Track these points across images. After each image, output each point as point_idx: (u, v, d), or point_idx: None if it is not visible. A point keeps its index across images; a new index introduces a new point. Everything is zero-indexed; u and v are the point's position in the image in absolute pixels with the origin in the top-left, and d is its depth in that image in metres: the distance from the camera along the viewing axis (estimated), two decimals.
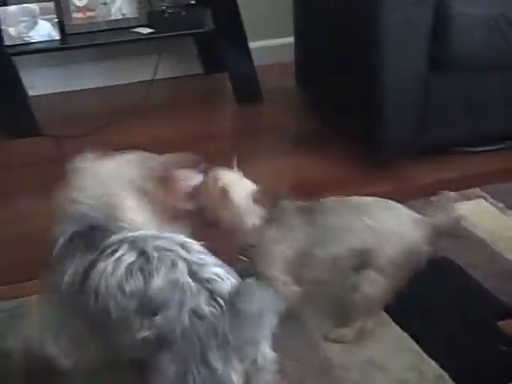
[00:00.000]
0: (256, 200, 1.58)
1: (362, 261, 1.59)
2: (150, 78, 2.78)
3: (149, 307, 1.19)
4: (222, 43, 2.85)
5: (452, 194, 1.66)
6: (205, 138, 2.64)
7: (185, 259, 1.22)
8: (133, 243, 1.25)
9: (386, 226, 1.58)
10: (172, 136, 2.64)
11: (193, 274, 1.20)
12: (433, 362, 1.59)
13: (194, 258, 1.23)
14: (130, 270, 1.22)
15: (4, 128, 2.63)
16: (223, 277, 1.21)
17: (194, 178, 1.52)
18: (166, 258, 1.21)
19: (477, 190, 2.24)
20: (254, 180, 2.41)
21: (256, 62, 2.87)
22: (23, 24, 2.64)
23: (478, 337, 1.68)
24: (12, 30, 2.63)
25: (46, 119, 2.67)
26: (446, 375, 1.56)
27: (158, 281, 1.19)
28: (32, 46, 2.68)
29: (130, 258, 1.23)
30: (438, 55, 2.22)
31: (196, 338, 1.15)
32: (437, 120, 2.30)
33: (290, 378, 1.55)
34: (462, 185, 2.25)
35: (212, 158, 2.48)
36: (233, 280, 1.22)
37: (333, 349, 1.64)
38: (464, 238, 2.02)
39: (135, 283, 1.21)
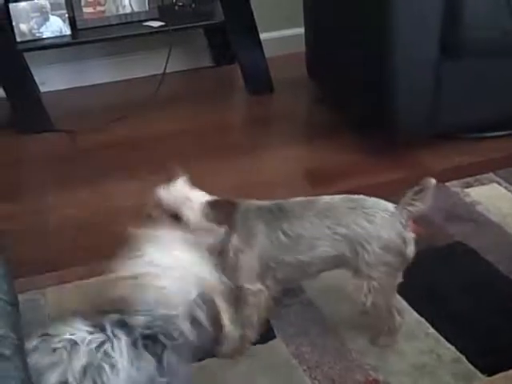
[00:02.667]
0: (209, 215, 1.49)
1: (337, 263, 1.56)
2: (160, 72, 2.79)
3: None
4: (233, 35, 2.85)
5: (433, 181, 1.55)
6: (217, 129, 2.65)
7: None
8: None
9: (357, 230, 1.51)
10: (184, 128, 2.65)
11: None
12: (450, 346, 1.60)
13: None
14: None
15: (17, 124, 2.64)
16: None
17: None
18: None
19: (490, 175, 2.23)
20: (268, 169, 2.47)
21: (267, 54, 2.87)
22: (34, 20, 2.65)
23: (494, 319, 1.68)
24: (23, 27, 2.64)
25: (58, 115, 2.68)
26: (463, 358, 1.56)
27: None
28: (43, 42, 2.68)
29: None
30: (450, 40, 2.20)
31: None
32: (449, 106, 2.29)
33: (308, 364, 1.57)
34: (476, 170, 2.26)
35: (225, 148, 2.54)
36: None
37: (348, 334, 1.64)
38: (478, 222, 2.03)
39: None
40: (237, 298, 1.51)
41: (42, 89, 2.74)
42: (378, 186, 2.09)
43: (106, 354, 1.15)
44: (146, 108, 2.71)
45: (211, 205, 1.50)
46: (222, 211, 1.50)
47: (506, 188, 2.18)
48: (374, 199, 1.58)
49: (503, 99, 2.37)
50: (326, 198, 1.59)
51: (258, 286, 1.55)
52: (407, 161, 2.36)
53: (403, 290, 1.70)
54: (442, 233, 2.00)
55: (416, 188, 1.55)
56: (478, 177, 2.23)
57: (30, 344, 1.13)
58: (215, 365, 1.54)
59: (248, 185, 2.35)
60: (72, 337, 1.15)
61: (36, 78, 2.68)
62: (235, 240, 1.53)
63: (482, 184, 2.20)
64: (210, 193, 1.49)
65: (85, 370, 1.12)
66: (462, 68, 2.29)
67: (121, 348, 1.15)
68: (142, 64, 2.97)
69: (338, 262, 1.55)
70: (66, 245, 2.03)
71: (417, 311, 1.69)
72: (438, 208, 2.10)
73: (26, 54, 2.64)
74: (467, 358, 1.56)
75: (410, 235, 1.55)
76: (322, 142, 2.51)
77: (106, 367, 1.13)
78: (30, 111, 2.67)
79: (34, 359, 1.11)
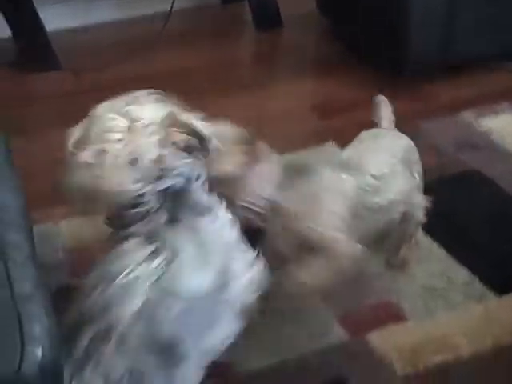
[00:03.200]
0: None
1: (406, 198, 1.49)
2: (167, 9, 2.74)
3: None
4: None
5: (383, 97, 1.65)
6: (225, 65, 2.62)
7: None
8: None
9: (403, 147, 1.52)
10: (193, 65, 2.62)
11: None
12: (462, 269, 1.59)
13: None
14: None
15: (23, 62, 2.62)
16: None
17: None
18: None
19: (505, 105, 2.20)
20: (277, 103, 2.44)
21: None
22: None
23: (509, 244, 1.66)
24: None
25: (64, 54, 2.64)
26: (475, 280, 1.56)
27: None
28: None
29: None
30: None
31: None
32: (463, 33, 2.24)
33: None
34: (490, 100, 2.22)
35: (233, 84, 2.51)
36: None
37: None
38: (493, 151, 2.01)
39: None
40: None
41: (48, 28, 2.70)
42: None
43: (168, 282, 1.04)
44: (152, 46, 2.67)
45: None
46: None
47: None
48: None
49: None
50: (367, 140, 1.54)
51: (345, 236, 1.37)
52: (420, 92, 2.32)
53: None
54: (456, 162, 1.98)
55: (376, 107, 1.61)
56: (492, 106, 2.19)
57: (87, 286, 1.06)
58: None
59: (257, 118, 2.32)
60: (131, 274, 1.04)
61: (42, 16, 2.64)
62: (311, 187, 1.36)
63: (497, 113, 2.17)
64: None
65: (143, 307, 1.02)
66: None
67: (182, 261, 1.05)
68: (150, 1, 2.92)
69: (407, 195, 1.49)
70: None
71: (429, 236, 1.68)
72: (451, 138, 2.08)
73: None
74: (480, 279, 1.56)
75: None
76: (332, 76, 2.46)
77: (168, 300, 1.03)
78: (37, 50, 2.65)
79: (88, 302, 1.05)
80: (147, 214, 1.06)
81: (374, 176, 1.42)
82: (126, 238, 1.09)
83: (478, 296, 1.52)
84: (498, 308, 1.49)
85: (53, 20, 2.76)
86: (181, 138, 1.07)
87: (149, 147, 1.05)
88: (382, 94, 2.29)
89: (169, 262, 1.04)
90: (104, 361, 1.02)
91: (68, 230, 1.79)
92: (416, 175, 1.51)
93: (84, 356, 1.02)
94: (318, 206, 1.34)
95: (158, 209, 1.06)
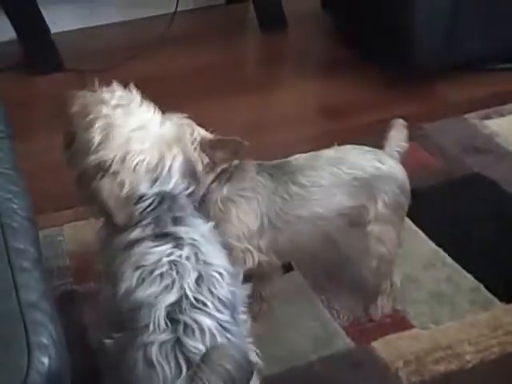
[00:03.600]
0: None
1: (352, 218, 1.41)
2: (172, 11, 2.73)
3: None
4: None
5: (401, 121, 1.49)
6: (230, 66, 2.61)
7: None
8: None
9: (374, 171, 1.40)
10: (197, 66, 2.61)
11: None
12: (468, 275, 1.59)
13: None
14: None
15: (28, 64, 2.62)
16: None
17: None
18: None
19: (510, 106, 2.19)
20: (282, 105, 2.44)
21: None
22: None
23: None
24: None
25: (69, 55, 2.64)
26: (481, 286, 1.55)
27: None
28: None
29: None
30: None
31: None
32: (467, 33, 2.23)
33: (325, 295, 1.56)
34: (495, 101, 2.21)
35: (238, 85, 2.50)
36: None
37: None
38: (497, 153, 2.00)
39: None
40: None
41: (53, 29, 2.69)
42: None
43: (205, 263, 1.11)
44: (157, 47, 2.67)
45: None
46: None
47: None
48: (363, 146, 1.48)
49: None
50: (331, 149, 1.45)
51: (247, 245, 1.37)
52: (424, 94, 2.31)
53: (421, 221, 1.69)
54: (461, 165, 1.97)
55: (392, 131, 1.48)
56: (496, 108, 2.18)
57: (127, 281, 1.09)
58: None
59: (262, 120, 2.32)
60: (170, 258, 1.09)
61: (46, 18, 2.64)
62: (227, 190, 1.36)
63: (502, 115, 2.16)
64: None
65: (198, 281, 1.08)
66: None
67: (208, 250, 1.13)
68: (154, 3, 2.91)
69: (353, 215, 1.41)
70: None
71: (434, 241, 1.67)
72: (455, 140, 2.07)
73: None
74: (485, 286, 1.55)
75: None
76: (337, 76, 2.46)
77: (216, 275, 1.10)
78: (41, 52, 2.64)
79: (140, 292, 1.07)
80: (153, 212, 1.15)
81: (301, 185, 1.37)
82: (133, 242, 1.13)
83: (484, 303, 1.51)
84: (504, 315, 1.48)
85: (57, 22, 2.77)
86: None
87: (171, 157, 1.18)
88: (388, 95, 2.31)
89: (196, 248, 1.12)
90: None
91: (72, 234, 1.79)
92: (380, 205, 1.40)
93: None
94: (231, 211, 1.36)
95: (162, 209, 1.16)
